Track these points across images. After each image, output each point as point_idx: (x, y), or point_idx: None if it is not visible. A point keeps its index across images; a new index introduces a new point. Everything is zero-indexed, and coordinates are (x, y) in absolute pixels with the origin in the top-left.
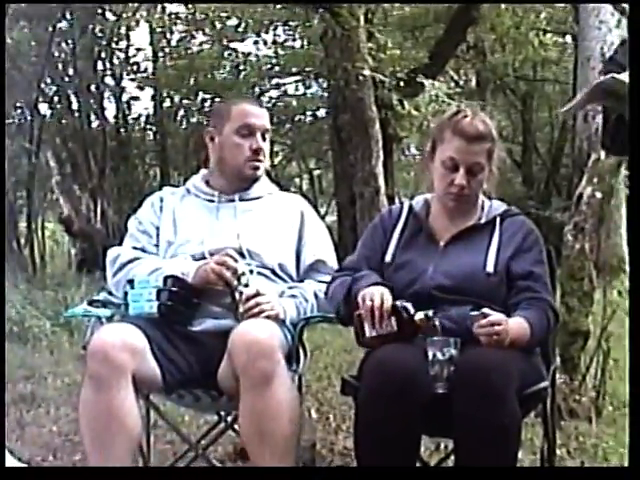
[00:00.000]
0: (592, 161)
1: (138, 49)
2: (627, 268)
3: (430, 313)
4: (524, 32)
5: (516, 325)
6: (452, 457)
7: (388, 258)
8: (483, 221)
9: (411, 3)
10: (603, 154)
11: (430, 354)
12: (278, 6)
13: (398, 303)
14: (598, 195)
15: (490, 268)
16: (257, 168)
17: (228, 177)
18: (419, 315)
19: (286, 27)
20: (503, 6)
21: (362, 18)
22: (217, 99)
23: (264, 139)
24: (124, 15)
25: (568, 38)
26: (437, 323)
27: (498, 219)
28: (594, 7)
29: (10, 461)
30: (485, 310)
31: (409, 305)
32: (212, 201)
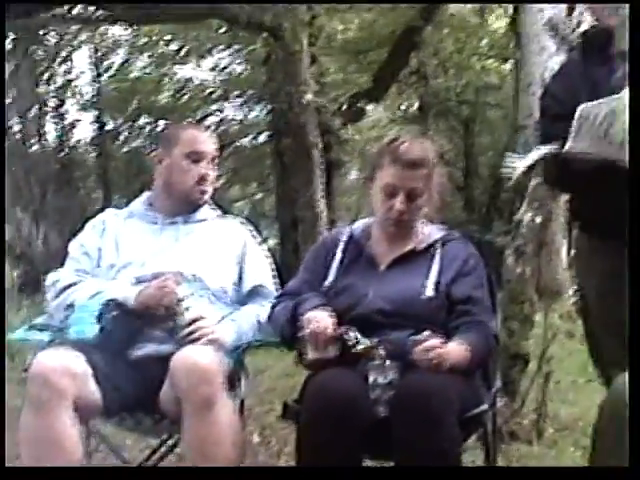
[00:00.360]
0: (532, 186)
1: (80, 72)
2: (568, 291)
3: (374, 341)
4: (466, 57)
5: (456, 349)
6: None
7: (328, 282)
8: (423, 245)
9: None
10: None
11: (371, 378)
12: (221, 30)
13: (343, 328)
14: (538, 220)
15: (430, 292)
16: (204, 193)
17: (174, 200)
18: (363, 342)
19: (228, 51)
20: (445, 31)
21: (305, 42)
22: (159, 122)
23: (211, 165)
24: (66, 37)
25: (509, 64)
26: (380, 351)
27: (438, 243)
28: (535, 33)
29: None
30: (425, 334)
31: (353, 331)
32: (155, 223)
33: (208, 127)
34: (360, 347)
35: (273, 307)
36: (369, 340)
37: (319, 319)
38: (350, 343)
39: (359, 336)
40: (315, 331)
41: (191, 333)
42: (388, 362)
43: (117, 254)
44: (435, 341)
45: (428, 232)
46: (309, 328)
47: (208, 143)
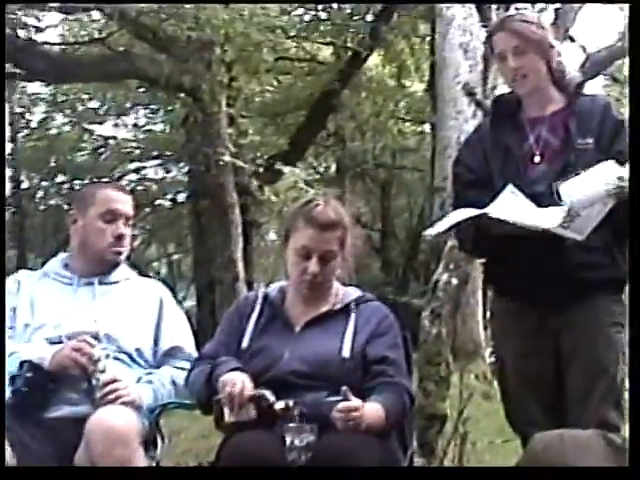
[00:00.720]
0: (448, 248)
1: None
2: (484, 352)
3: (290, 403)
4: (383, 120)
5: (372, 410)
6: None
7: (244, 344)
8: (338, 307)
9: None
10: None
11: (288, 441)
12: (140, 89)
13: (258, 391)
14: (454, 281)
15: (346, 353)
16: (120, 253)
17: (89, 261)
18: (279, 405)
19: (147, 110)
20: (363, 94)
21: (224, 103)
22: (77, 181)
23: (127, 225)
24: None
25: (426, 127)
26: (297, 413)
27: (353, 305)
28: (451, 97)
29: None
30: (342, 395)
31: (269, 393)
32: (71, 284)
33: (124, 186)
34: (276, 408)
35: (190, 371)
36: (284, 401)
37: (235, 381)
38: (266, 405)
39: (274, 398)
40: (231, 394)
41: (107, 395)
42: (305, 424)
43: (32, 315)
44: (352, 403)
45: (343, 293)
46: (225, 391)
47: (123, 202)
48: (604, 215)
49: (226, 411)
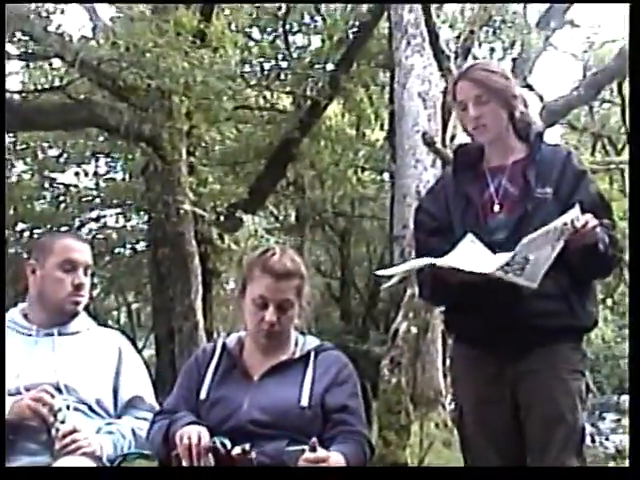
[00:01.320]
0: (408, 296)
1: None
2: (444, 401)
3: (247, 447)
4: (343, 169)
5: (335, 462)
6: None
7: (203, 395)
8: (297, 356)
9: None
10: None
11: None
12: (100, 138)
13: (215, 439)
14: (414, 330)
15: (304, 402)
16: (78, 303)
17: (48, 311)
18: (236, 450)
19: (108, 159)
20: (323, 143)
21: (184, 152)
22: (36, 230)
23: (86, 274)
24: None
25: (385, 175)
26: (253, 456)
27: (312, 353)
28: (410, 146)
29: None
30: (310, 446)
31: (226, 441)
32: (30, 335)
33: (82, 236)
34: (233, 454)
35: (150, 427)
36: (241, 446)
37: (190, 434)
38: (224, 452)
39: (230, 444)
40: (188, 447)
41: (67, 445)
42: None
43: None
44: (320, 454)
45: (302, 342)
46: (182, 445)
47: (82, 252)
48: (552, 259)
49: (185, 464)
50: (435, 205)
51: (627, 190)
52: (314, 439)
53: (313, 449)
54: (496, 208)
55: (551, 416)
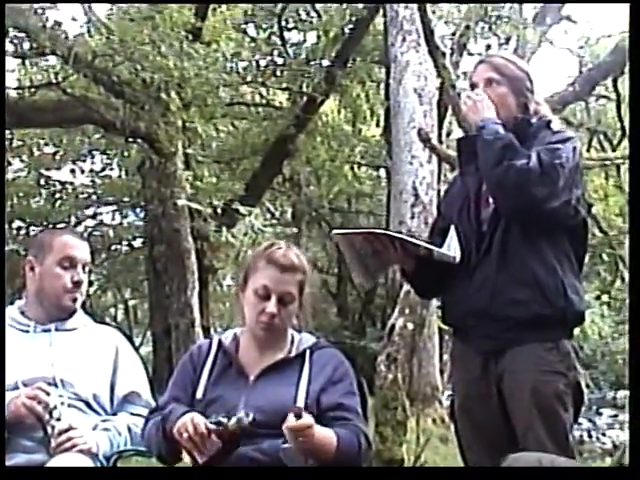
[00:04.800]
0: (404, 292)
1: None
2: (440, 397)
3: (241, 414)
4: (339, 165)
5: (322, 433)
6: None
7: (199, 395)
8: (293, 354)
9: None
10: None
11: None
12: (97, 135)
13: (211, 420)
14: (410, 326)
15: (300, 402)
16: (76, 300)
17: (46, 307)
18: (232, 421)
19: (104, 156)
20: (318, 139)
21: (180, 146)
22: (32, 227)
23: (84, 271)
24: None
25: (382, 172)
26: (249, 418)
27: (308, 352)
28: (406, 142)
29: None
30: (296, 412)
31: (220, 418)
32: (27, 331)
33: (81, 233)
34: (230, 427)
35: (144, 426)
36: (235, 417)
37: (185, 426)
38: (223, 429)
39: (226, 419)
40: (190, 438)
41: (62, 443)
42: None
43: None
44: (304, 420)
45: (298, 340)
46: (184, 438)
47: (80, 249)
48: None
49: (196, 455)
50: (443, 204)
51: (626, 188)
52: (299, 405)
53: (298, 416)
54: (491, 200)
55: (526, 420)
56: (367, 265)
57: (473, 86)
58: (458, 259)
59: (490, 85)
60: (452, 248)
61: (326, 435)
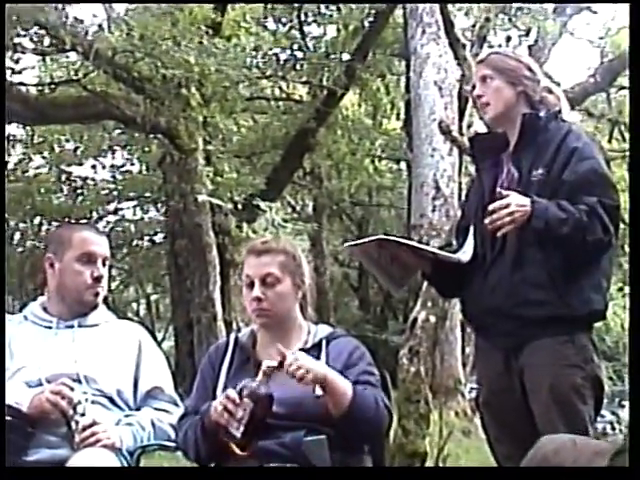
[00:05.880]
0: (426, 285)
1: None
2: (463, 389)
3: (272, 363)
4: (360, 158)
5: (337, 380)
6: None
7: (219, 391)
8: (309, 345)
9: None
10: None
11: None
12: (117, 131)
13: (240, 385)
14: (432, 319)
15: (319, 391)
16: (97, 295)
17: (67, 303)
18: (265, 365)
19: (125, 152)
20: (339, 132)
21: (200, 142)
22: (54, 223)
23: (104, 266)
24: None
25: (402, 164)
26: (274, 364)
27: (324, 342)
28: (427, 135)
29: None
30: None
31: (244, 382)
32: (50, 327)
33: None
34: (265, 367)
35: (177, 432)
36: (266, 365)
37: (221, 398)
38: (251, 386)
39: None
40: (225, 406)
41: (86, 438)
42: None
43: (11, 358)
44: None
45: (314, 332)
46: (219, 413)
47: (100, 244)
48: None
49: (232, 429)
50: (466, 203)
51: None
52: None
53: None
54: (504, 194)
55: (545, 414)
56: (391, 273)
57: (473, 87)
58: (465, 260)
59: (485, 82)
60: (466, 250)
61: (340, 381)
